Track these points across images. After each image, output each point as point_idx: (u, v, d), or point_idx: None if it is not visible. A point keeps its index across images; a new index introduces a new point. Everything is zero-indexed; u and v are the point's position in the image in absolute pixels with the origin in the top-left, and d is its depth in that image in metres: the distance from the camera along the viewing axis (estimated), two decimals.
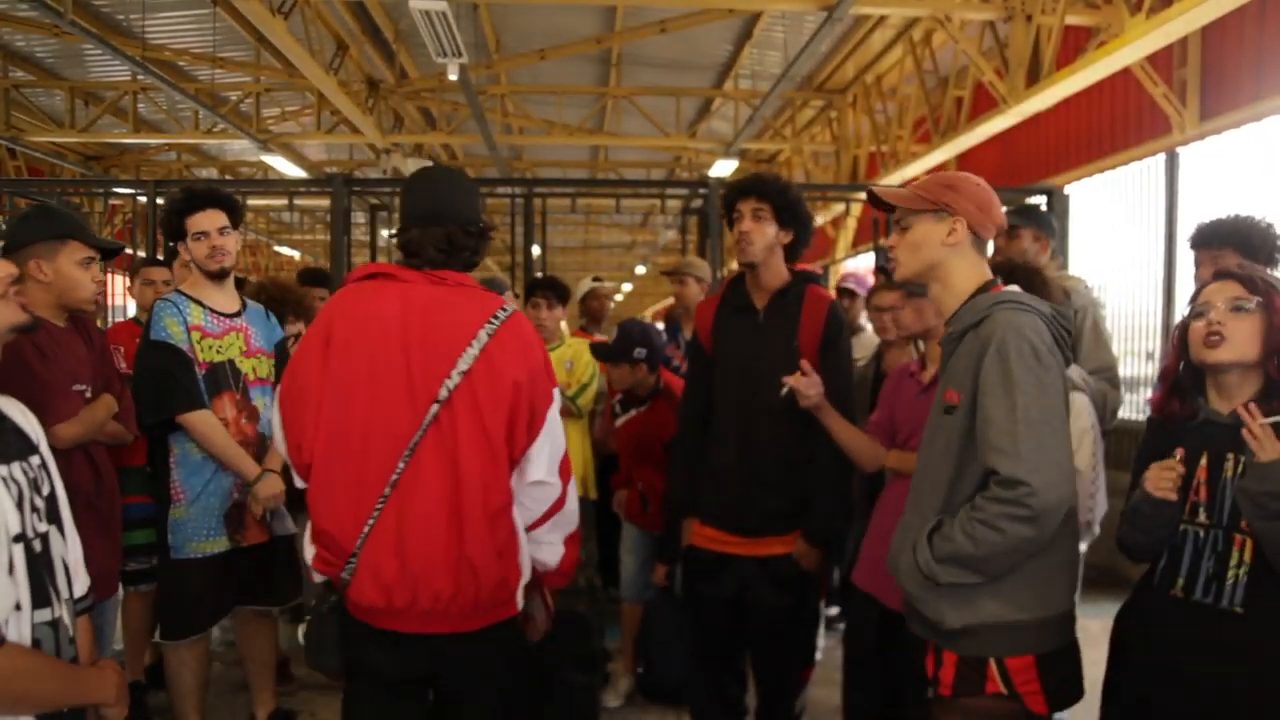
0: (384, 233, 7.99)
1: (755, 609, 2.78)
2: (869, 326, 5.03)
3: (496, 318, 1.96)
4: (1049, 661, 1.82)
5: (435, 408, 1.90)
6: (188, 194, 2.96)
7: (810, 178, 11.92)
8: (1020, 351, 1.76)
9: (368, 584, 1.91)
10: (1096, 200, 7.09)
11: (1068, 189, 6.76)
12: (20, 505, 1.45)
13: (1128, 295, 6.52)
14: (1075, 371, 2.81)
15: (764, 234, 2.69)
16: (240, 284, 3.43)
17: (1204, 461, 1.85)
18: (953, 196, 1.93)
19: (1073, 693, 1.89)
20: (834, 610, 4.65)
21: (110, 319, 7.55)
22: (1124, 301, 6.54)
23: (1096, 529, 2.75)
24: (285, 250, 18.03)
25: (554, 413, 2.04)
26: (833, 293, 3.70)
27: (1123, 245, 6.63)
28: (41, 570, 1.48)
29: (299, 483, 2.04)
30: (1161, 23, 4.81)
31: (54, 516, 1.56)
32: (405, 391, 1.91)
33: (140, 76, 8.94)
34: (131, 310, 4.02)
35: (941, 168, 8.78)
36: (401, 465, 1.90)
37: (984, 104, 7.66)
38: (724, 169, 9.64)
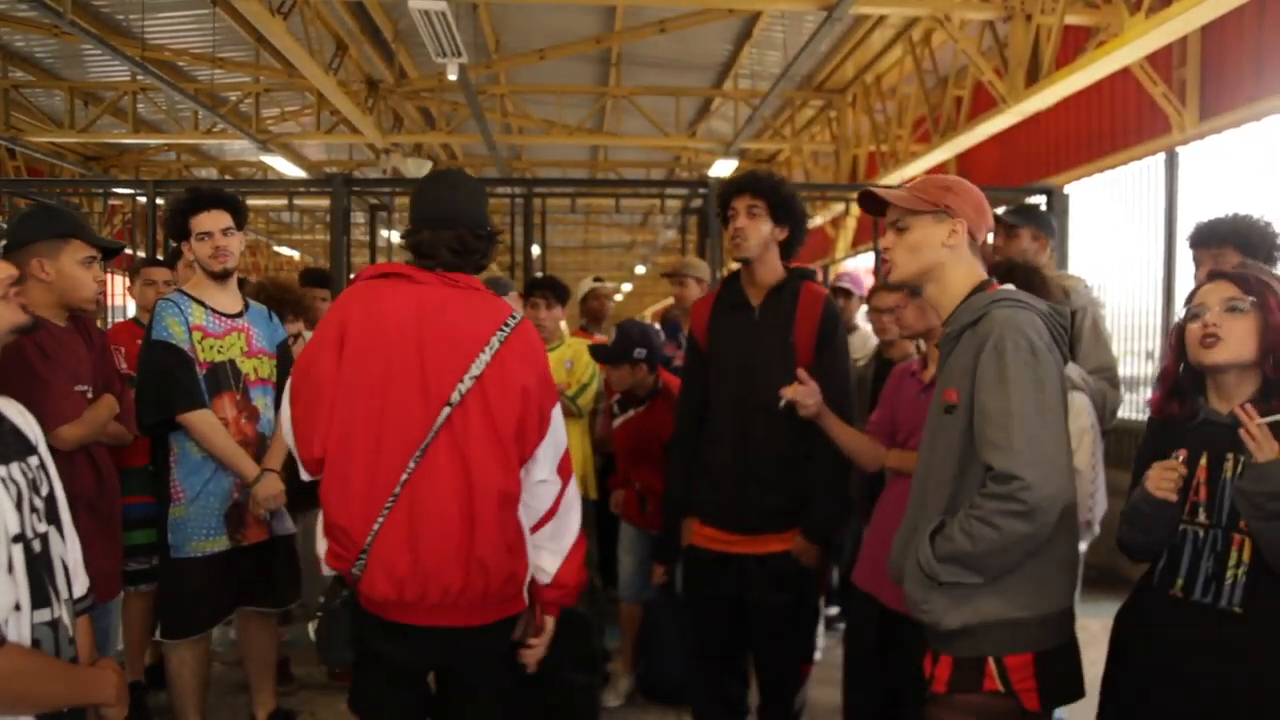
0: (384, 233, 7.99)
1: (756, 607, 2.78)
2: (863, 325, 5.04)
3: (508, 324, 2.01)
4: (1047, 659, 1.82)
5: (448, 410, 1.94)
6: (192, 194, 2.97)
7: (810, 177, 11.92)
8: (1017, 347, 1.76)
9: (380, 577, 1.94)
10: (1096, 200, 7.09)
11: (1067, 189, 6.76)
12: (19, 506, 1.45)
13: (1127, 295, 6.52)
14: (1075, 371, 2.81)
15: (758, 230, 2.70)
16: (240, 284, 3.44)
17: (1204, 461, 1.85)
18: (952, 198, 1.93)
19: (1071, 690, 1.88)
20: (834, 610, 4.65)
21: (110, 319, 7.55)
22: (1124, 301, 6.54)
23: (1096, 528, 2.75)
24: (285, 250, 18.03)
25: (556, 412, 2.09)
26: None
27: (1122, 245, 6.63)
28: (41, 571, 1.48)
29: (305, 476, 2.07)
30: (1161, 22, 4.81)
31: (53, 517, 1.56)
32: (419, 392, 1.95)
33: (140, 76, 8.94)
34: (131, 310, 4.01)
35: (941, 168, 8.79)
36: (413, 464, 1.94)
37: (984, 104, 7.66)
38: (724, 169, 9.63)
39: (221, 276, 2.98)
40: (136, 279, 3.86)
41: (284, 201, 7.50)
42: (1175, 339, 1.95)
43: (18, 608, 1.41)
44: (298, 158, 11.46)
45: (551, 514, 2.09)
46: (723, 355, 2.81)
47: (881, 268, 2.08)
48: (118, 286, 7.51)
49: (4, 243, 2.54)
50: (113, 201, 10.29)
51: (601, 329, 5.08)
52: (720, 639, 2.91)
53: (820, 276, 4.90)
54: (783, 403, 2.57)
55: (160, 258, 5.59)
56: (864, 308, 5.34)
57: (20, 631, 1.42)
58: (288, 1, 6.58)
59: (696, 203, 6.93)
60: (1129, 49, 5.16)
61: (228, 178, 13.33)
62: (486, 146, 9.66)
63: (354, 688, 2.17)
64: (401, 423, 1.95)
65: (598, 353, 3.75)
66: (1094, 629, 2.27)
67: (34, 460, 1.55)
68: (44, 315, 2.57)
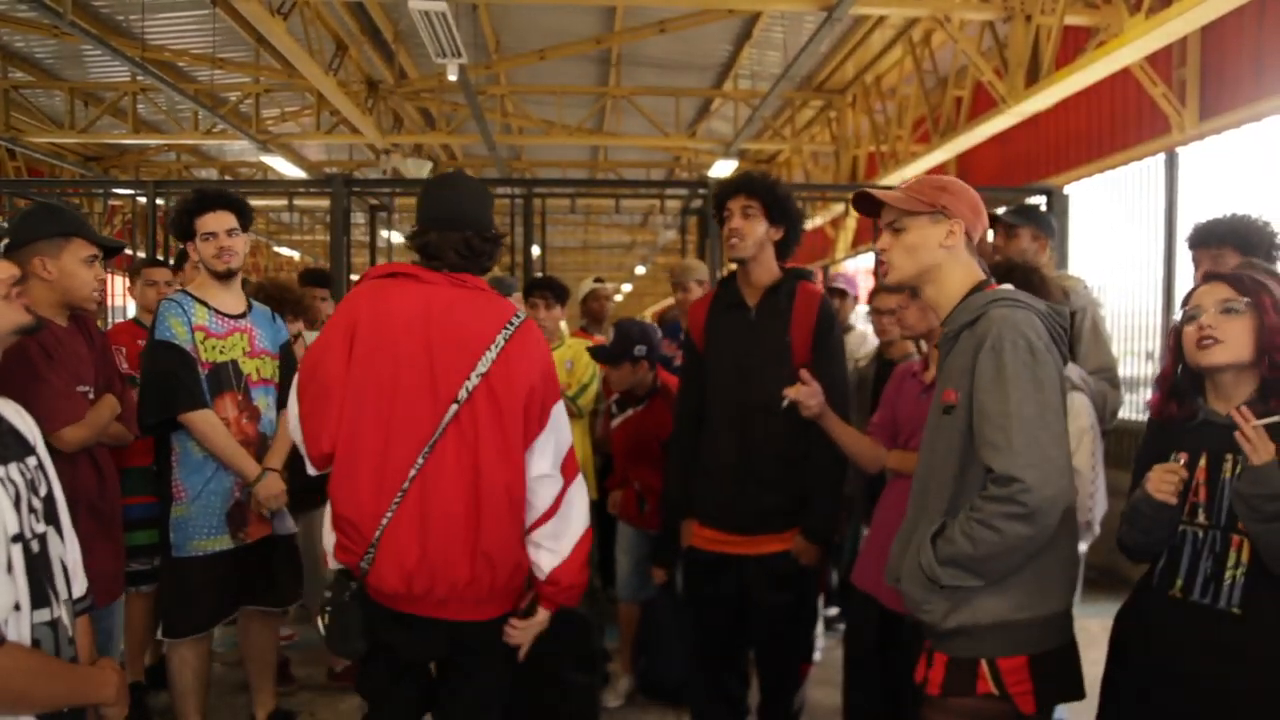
0: (384, 233, 7.99)
1: (755, 608, 2.79)
2: (859, 326, 5.06)
3: (512, 323, 2.06)
4: (1043, 661, 1.80)
5: (455, 407, 1.99)
6: (198, 195, 2.99)
7: (810, 178, 11.93)
8: (1015, 347, 1.74)
9: (388, 570, 1.98)
10: (1096, 200, 7.09)
11: (1067, 189, 6.77)
12: (18, 506, 1.45)
13: (1127, 295, 6.52)
14: (1075, 371, 2.81)
15: (754, 231, 2.71)
16: (241, 284, 3.44)
17: (1203, 462, 1.85)
18: (949, 199, 1.91)
19: (1070, 691, 1.88)
20: (833, 611, 4.65)
21: (110, 319, 7.56)
22: (1124, 301, 6.53)
23: (1097, 529, 2.75)
24: (285, 251, 18.04)
25: (559, 409, 2.11)
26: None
27: (1122, 245, 6.63)
28: (39, 571, 1.48)
29: (311, 471, 2.10)
30: (1161, 23, 4.81)
31: (51, 517, 1.56)
32: (428, 389, 2.00)
33: (140, 77, 8.94)
34: (131, 310, 4.02)
35: (941, 168, 8.79)
36: (421, 460, 1.98)
37: (983, 104, 7.66)
38: (724, 169, 9.63)
39: (225, 277, 2.99)
40: (137, 279, 3.86)
41: (284, 202, 7.50)
42: (1173, 341, 1.95)
43: (17, 608, 1.41)
44: (298, 158, 11.47)
45: (551, 513, 2.10)
46: (719, 355, 2.82)
47: (880, 269, 2.06)
48: (118, 286, 7.51)
49: (6, 241, 2.54)
50: (113, 202, 10.30)
51: (602, 330, 5.08)
52: (720, 639, 2.91)
53: (820, 277, 4.91)
54: (785, 403, 2.57)
55: (160, 257, 5.60)
56: (859, 308, 5.38)
57: (20, 631, 1.42)
58: (288, 2, 6.58)
59: (696, 203, 6.94)
60: (1129, 49, 5.16)
61: (228, 178, 13.33)
62: (486, 147, 9.66)
63: (361, 676, 2.23)
64: (410, 419, 1.99)
65: (598, 353, 3.75)
66: (1094, 629, 2.27)
67: (32, 461, 1.55)
68: (46, 315, 2.56)
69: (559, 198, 7.10)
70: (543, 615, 2.18)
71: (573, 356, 4.24)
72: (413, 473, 1.98)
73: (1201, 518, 1.83)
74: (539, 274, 5.51)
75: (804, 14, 7.29)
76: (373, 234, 7.57)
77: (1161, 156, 6.22)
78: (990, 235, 3.22)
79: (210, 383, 2.92)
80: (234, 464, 2.92)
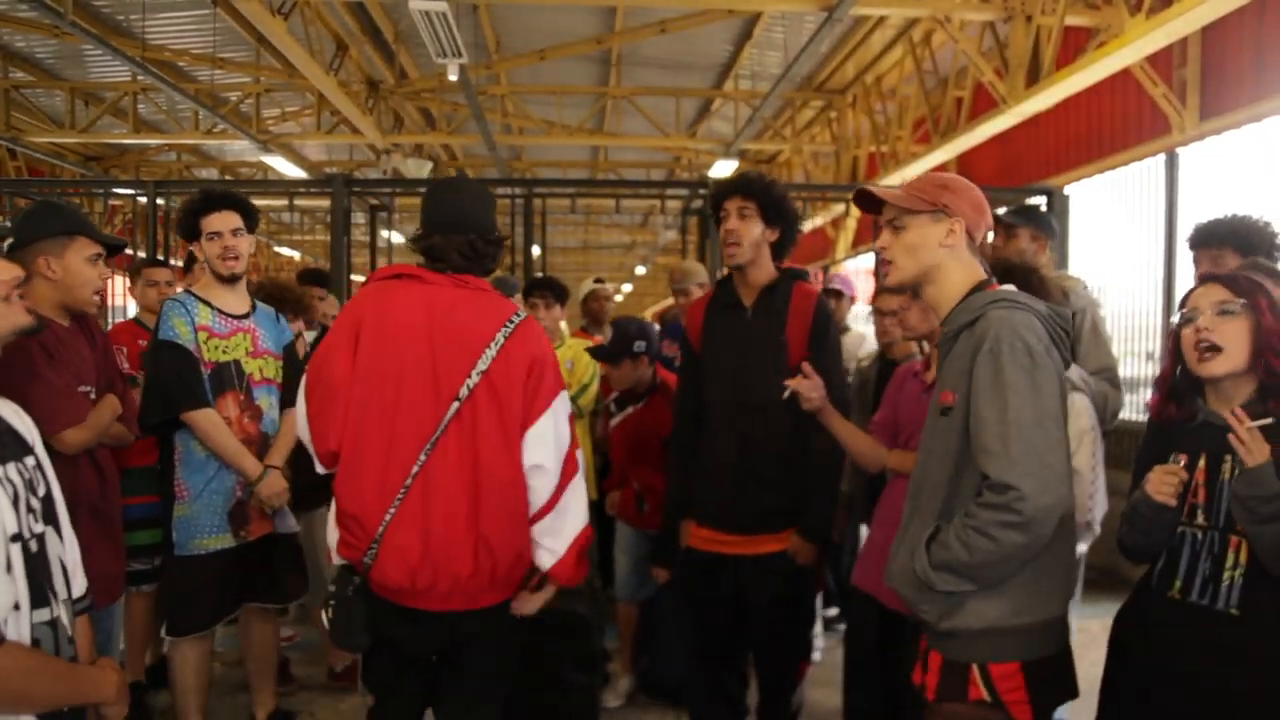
0: (384, 233, 7.99)
1: (754, 608, 2.79)
2: (855, 326, 5.07)
3: (512, 321, 2.10)
4: (1037, 669, 1.77)
5: (457, 404, 2.03)
6: (204, 195, 3.02)
7: (810, 178, 11.92)
8: (1014, 350, 1.72)
9: (392, 565, 2.03)
10: (1096, 200, 7.09)
11: (1068, 189, 6.77)
12: (16, 505, 1.45)
13: (1128, 295, 6.52)
14: (1075, 372, 2.81)
15: (750, 232, 2.73)
16: None
17: (1202, 464, 1.85)
18: (950, 197, 1.89)
19: (1064, 693, 1.86)
20: (833, 611, 4.65)
21: (111, 319, 7.56)
22: (1124, 302, 6.53)
23: (1097, 529, 2.75)
24: (285, 250, 18.04)
25: (563, 402, 2.13)
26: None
27: (1123, 245, 6.63)
28: (39, 571, 1.48)
29: (320, 469, 2.15)
30: (1161, 23, 4.81)
31: (50, 517, 1.56)
32: (430, 387, 2.05)
33: (140, 77, 8.94)
34: (132, 310, 4.02)
35: (942, 168, 8.78)
36: (424, 456, 2.02)
37: (984, 104, 7.66)
38: (724, 169, 9.63)
39: (230, 280, 3.01)
40: (138, 279, 3.86)
41: (284, 202, 7.51)
42: (1172, 343, 1.94)
43: (17, 607, 1.41)
44: (298, 158, 11.47)
45: (549, 508, 2.12)
46: (716, 356, 2.83)
47: (881, 269, 2.04)
48: (118, 286, 7.52)
49: (9, 240, 2.53)
50: (113, 202, 10.29)
51: (601, 330, 5.08)
52: (719, 639, 2.92)
53: (820, 277, 4.91)
54: (786, 393, 2.56)
55: (161, 257, 5.61)
56: (855, 308, 5.40)
57: (20, 631, 1.42)
58: (288, 2, 6.58)
59: (697, 203, 6.94)
60: (1129, 50, 5.16)
61: (228, 178, 13.33)
62: (487, 147, 9.67)
63: (366, 670, 2.28)
64: (414, 417, 2.04)
65: (597, 352, 3.76)
66: (1094, 629, 2.27)
67: (30, 461, 1.55)
68: (48, 315, 2.57)
69: (559, 198, 7.11)
70: (549, 589, 2.25)
71: (573, 357, 4.24)
72: (415, 469, 2.02)
73: (1200, 519, 1.83)
74: (539, 274, 5.52)
75: (804, 14, 7.29)
76: (373, 234, 7.57)
77: (1162, 157, 6.22)
78: (989, 235, 3.21)
79: (213, 382, 2.94)
80: (235, 463, 2.93)
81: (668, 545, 3.04)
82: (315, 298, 4.27)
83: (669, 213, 10.46)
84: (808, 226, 12.42)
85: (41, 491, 1.56)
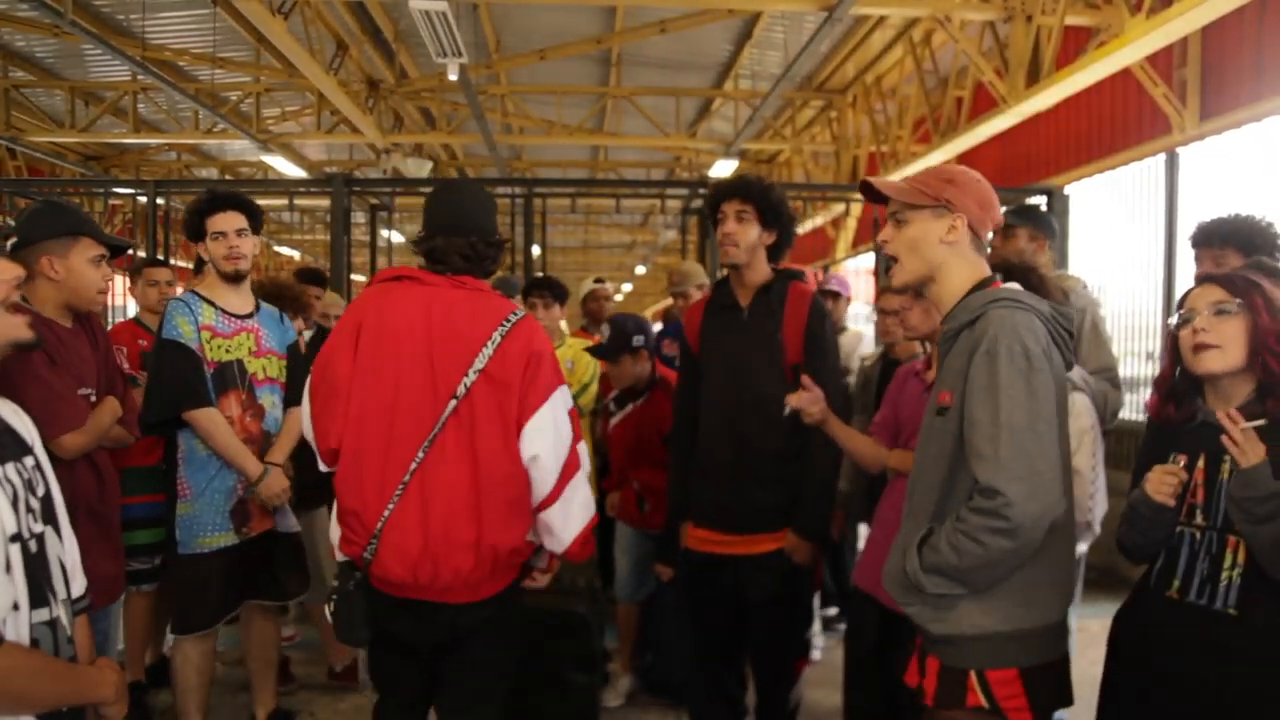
0: (384, 232, 7.98)
1: (751, 607, 2.80)
2: (852, 326, 5.07)
3: (509, 320, 2.13)
4: (1036, 675, 1.75)
5: (454, 402, 2.07)
6: (210, 195, 3.06)
7: (810, 178, 11.92)
8: (1011, 352, 1.69)
9: (393, 560, 2.07)
10: (1096, 200, 7.09)
11: (1068, 189, 6.76)
12: (15, 506, 1.45)
13: (1128, 295, 6.52)
14: (1076, 372, 2.81)
15: (747, 235, 2.75)
16: None
17: (1201, 464, 1.84)
18: (953, 192, 1.84)
19: (1061, 701, 1.83)
20: (833, 611, 4.65)
21: (111, 319, 7.56)
22: (1124, 302, 6.53)
23: (1097, 529, 2.75)
24: (285, 250, 18.04)
25: (560, 397, 2.15)
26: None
27: (1123, 245, 6.63)
28: (38, 571, 1.48)
29: (322, 467, 2.21)
30: (1161, 23, 4.81)
31: (49, 517, 1.56)
32: (428, 386, 2.08)
33: (140, 76, 8.94)
34: (132, 310, 4.02)
35: None
36: (422, 453, 2.06)
37: (984, 104, 7.66)
38: (724, 169, 9.63)
39: (234, 279, 3.04)
40: (138, 279, 3.86)
41: (284, 201, 7.50)
42: (1169, 344, 1.94)
43: (16, 607, 1.41)
44: (298, 158, 11.46)
45: (552, 499, 2.15)
46: (713, 356, 2.85)
47: (889, 268, 2.02)
48: (118, 286, 7.51)
49: (13, 240, 2.52)
50: (113, 201, 10.30)
51: (601, 330, 5.08)
52: (719, 639, 2.93)
53: (821, 277, 4.91)
54: (788, 410, 2.57)
55: (161, 257, 5.60)
56: (851, 308, 5.41)
57: (19, 631, 1.42)
58: (288, 1, 6.58)
59: (697, 203, 6.94)
60: (1129, 50, 5.16)
61: (228, 178, 13.33)
62: (487, 146, 9.67)
63: (371, 664, 2.35)
64: (412, 415, 2.08)
65: (596, 351, 3.77)
66: (1094, 629, 2.27)
67: (29, 461, 1.55)
68: (50, 316, 2.56)
69: (559, 198, 7.10)
70: (555, 565, 2.35)
71: (573, 357, 4.24)
72: (414, 466, 2.06)
73: (1199, 519, 1.83)
74: (539, 274, 5.51)
75: (804, 14, 7.29)
76: (373, 233, 7.57)
77: (1162, 157, 6.22)
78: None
79: (216, 381, 2.96)
80: (236, 462, 2.95)
81: (670, 544, 3.04)
82: (312, 297, 4.28)
83: (669, 212, 10.47)
84: (808, 226, 12.43)
85: (40, 491, 1.55)
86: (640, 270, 22.84)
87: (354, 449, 2.10)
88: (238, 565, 3.01)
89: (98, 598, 2.35)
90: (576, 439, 2.19)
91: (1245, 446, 1.70)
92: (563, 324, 4.53)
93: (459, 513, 2.06)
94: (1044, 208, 5.71)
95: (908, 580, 1.77)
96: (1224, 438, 1.72)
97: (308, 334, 4.00)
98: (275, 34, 6.22)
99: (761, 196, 2.75)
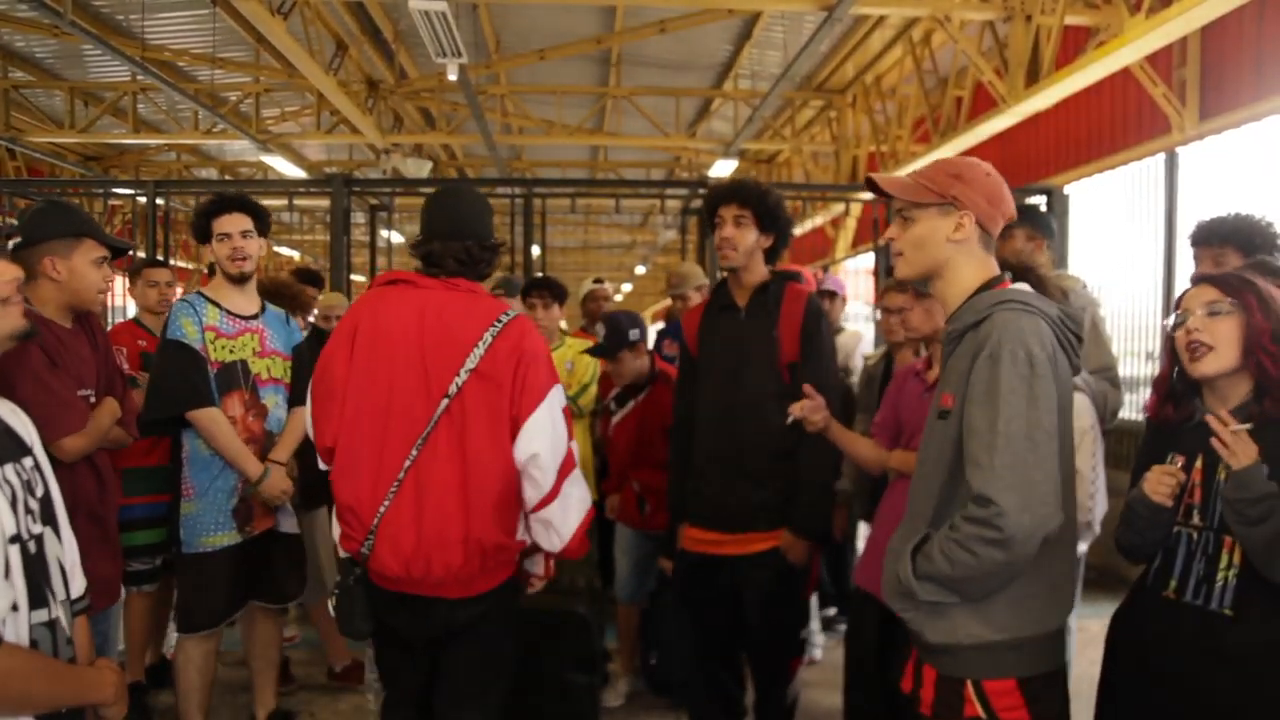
0: (384, 233, 7.98)
1: (747, 606, 2.81)
2: (849, 326, 5.08)
3: (500, 320, 2.17)
4: (1036, 685, 1.70)
5: (446, 401, 2.12)
6: (216, 198, 3.11)
7: (810, 178, 11.92)
8: (1014, 358, 1.63)
9: (388, 556, 2.13)
10: (1096, 200, 7.09)
11: (1067, 189, 6.76)
12: (14, 506, 1.45)
13: (1127, 295, 6.52)
14: None
15: (745, 239, 2.78)
16: None
17: (1199, 464, 1.84)
18: (960, 188, 1.77)
19: (1061, 713, 1.80)
20: (832, 611, 4.65)
21: (111, 320, 7.56)
22: (1124, 301, 6.53)
23: (1097, 529, 2.75)
24: (285, 250, 18.04)
25: (555, 396, 2.19)
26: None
27: (1122, 245, 6.63)
28: (37, 572, 1.48)
29: (322, 465, 2.26)
30: (1161, 23, 4.81)
31: (49, 518, 1.56)
32: (421, 385, 2.14)
33: (140, 77, 8.94)
34: (132, 311, 4.02)
35: None
36: (415, 451, 2.12)
37: (983, 104, 7.66)
38: (724, 169, 9.63)
39: (239, 280, 3.07)
40: (138, 280, 3.86)
41: (284, 202, 7.49)
42: (1168, 344, 1.93)
43: (15, 608, 1.41)
44: (298, 158, 11.46)
45: (551, 497, 2.18)
46: (711, 355, 2.88)
47: (893, 261, 1.98)
48: (118, 287, 7.51)
49: (17, 240, 2.52)
50: (113, 202, 10.29)
51: (598, 330, 5.08)
52: (716, 639, 2.94)
53: (821, 277, 4.92)
54: (790, 420, 2.57)
55: (160, 257, 5.60)
56: (847, 309, 5.42)
57: (18, 632, 1.42)
58: (288, 2, 6.58)
59: (696, 203, 6.94)
60: (1129, 49, 5.16)
61: (228, 178, 13.33)
62: (486, 147, 9.66)
63: (376, 658, 2.42)
64: (406, 415, 2.13)
65: (595, 350, 3.77)
66: (1094, 629, 2.27)
67: (28, 461, 1.55)
68: (51, 316, 2.56)
69: (559, 198, 7.10)
70: (551, 566, 2.42)
71: (573, 357, 4.24)
72: (407, 464, 2.11)
73: (1196, 519, 1.83)
74: (539, 274, 5.51)
75: (804, 14, 7.29)
76: (373, 234, 7.57)
77: (1161, 156, 6.22)
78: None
79: (219, 381, 2.98)
80: (237, 462, 2.97)
81: (673, 541, 3.06)
82: (310, 296, 4.29)
83: (669, 213, 10.47)
84: (807, 226, 12.44)
85: (39, 492, 1.55)
86: (640, 270, 22.84)
87: (349, 447, 2.16)
88: (241, 565, 3.03)
89: (97, 599, 2.35)
90: (570, 436, 2.24)
91: (1236, 448, 1.70)
92: (562, 324, 4.53)
93: (450, 509, 2.11)
94: (1044, 208, 5.72)
95: (902, 586, 1.73)
96: (1213, 440, 1.72)
97: (305, 332, 4.00)
98: (275, 34, 6.22)
99: (759, 201, 2.78)
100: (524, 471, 2.16)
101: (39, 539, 1.51)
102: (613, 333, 3.62)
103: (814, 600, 4.28)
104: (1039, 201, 5.94)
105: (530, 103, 10.64)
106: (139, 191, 6.67)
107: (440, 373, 2.12)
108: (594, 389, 4.23)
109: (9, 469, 1.48)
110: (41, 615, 1.47)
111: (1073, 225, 6.41)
